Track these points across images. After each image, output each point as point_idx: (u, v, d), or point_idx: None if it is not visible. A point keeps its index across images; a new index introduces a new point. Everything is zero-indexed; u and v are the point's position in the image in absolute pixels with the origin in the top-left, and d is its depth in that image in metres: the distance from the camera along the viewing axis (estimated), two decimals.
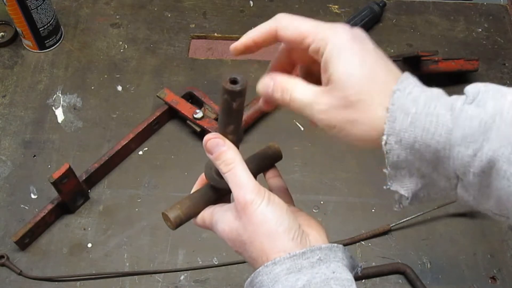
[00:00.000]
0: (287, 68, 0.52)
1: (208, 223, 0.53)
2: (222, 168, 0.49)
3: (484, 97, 0.40)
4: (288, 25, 0.47)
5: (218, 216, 0.51)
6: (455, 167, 0.40)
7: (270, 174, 0.59)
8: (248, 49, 0.49)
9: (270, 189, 0.56)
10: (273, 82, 0.48)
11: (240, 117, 0.50)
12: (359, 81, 0.42)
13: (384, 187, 0.44)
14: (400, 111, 0.41)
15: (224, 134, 0.51)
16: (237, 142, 0.52)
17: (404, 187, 0.43)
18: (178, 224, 0.53)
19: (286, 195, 0.58)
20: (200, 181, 0.58)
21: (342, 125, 0.44)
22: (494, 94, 0.40)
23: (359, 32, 0.45)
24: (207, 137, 0.50)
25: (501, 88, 0.41)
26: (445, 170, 0.41)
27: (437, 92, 0.42)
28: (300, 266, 0.45)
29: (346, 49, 0.43)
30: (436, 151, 0.40)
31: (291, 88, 0.46)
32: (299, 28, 0.46)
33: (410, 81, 0.42)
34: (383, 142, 0.41)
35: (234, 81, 0.45)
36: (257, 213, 0.47)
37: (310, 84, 0.46)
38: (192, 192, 0.56)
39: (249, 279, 0.47)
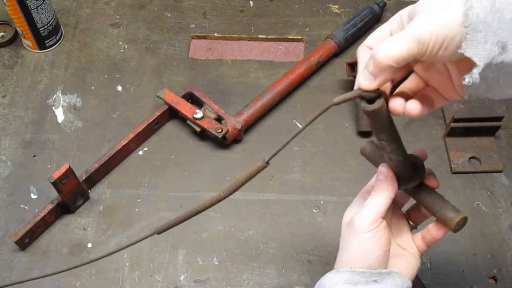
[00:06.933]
0: None
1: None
2: (375, 189, 0.57)
3: None
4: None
5: (352, 204, 0.61)
6: None
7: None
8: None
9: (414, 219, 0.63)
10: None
11: (390, 132, 0.52)
12: None
13: (458, 51, 0.43)
14: None
15: (383, 150, 0.55)
16: (394, 159, 0.55)
17: (477, 54, 0.43)
18: (361, 153, 0.64)
19: (406, 232, 0.62)
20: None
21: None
22: None
23: None
24: (382, 165, 0.58)
25: None
26: None
27: None
28: (356, 281, 0.53)
29: None
30: None
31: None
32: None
33: None
34: (464, 0, 0.42)
35: (371, 100, 0.48)
36: (356, 238, 0.55)
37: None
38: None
39: (320, 279, 0.56)
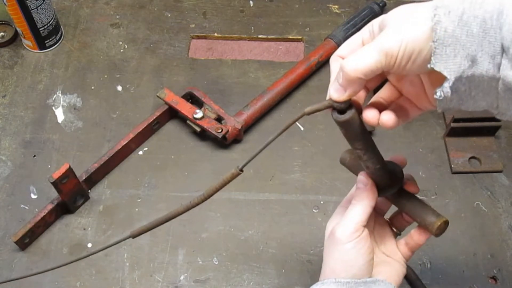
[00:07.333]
0: None
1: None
2: (354, 198, 0.57)
3: None
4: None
5: (334, 214, 0.60)
6: (502, 36, 0.41)
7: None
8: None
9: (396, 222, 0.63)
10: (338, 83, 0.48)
11: (364, 141, 0.52)
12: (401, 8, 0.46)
13: (428, 65, 0.43)
14: None
15: (360, 159, 0.54)
16: (370, 167, 0.54)
17: (447, 68, 0.42)
18: (341, 162, 0.64)
19: (390, 240, 0.62)
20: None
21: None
22: None
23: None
24: (361, 173, 0.57)
25: None
26: (490, 46, 0.41)
27: None
28: None
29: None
30: (483, 22, 0.41)
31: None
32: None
33: None
34: (432, 14, 0.42)
35: (342, 111, 0.48)
36: (337, 249, 0.55)
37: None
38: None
39: None
